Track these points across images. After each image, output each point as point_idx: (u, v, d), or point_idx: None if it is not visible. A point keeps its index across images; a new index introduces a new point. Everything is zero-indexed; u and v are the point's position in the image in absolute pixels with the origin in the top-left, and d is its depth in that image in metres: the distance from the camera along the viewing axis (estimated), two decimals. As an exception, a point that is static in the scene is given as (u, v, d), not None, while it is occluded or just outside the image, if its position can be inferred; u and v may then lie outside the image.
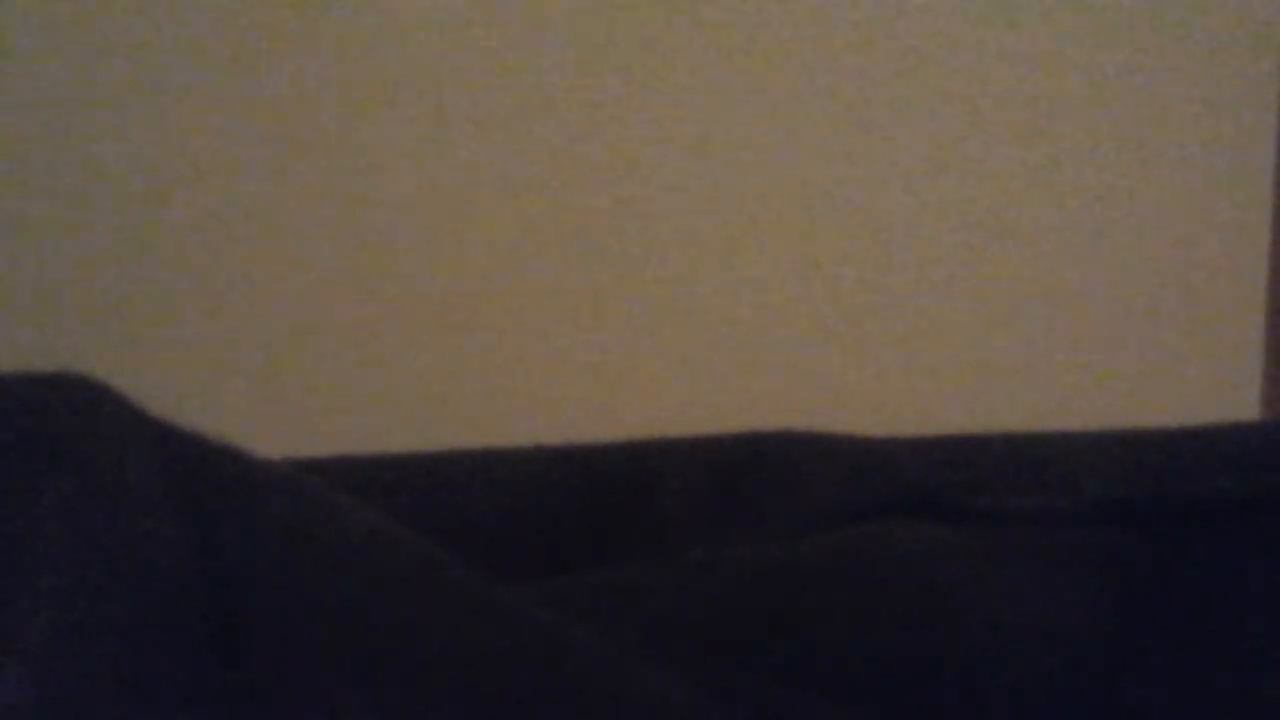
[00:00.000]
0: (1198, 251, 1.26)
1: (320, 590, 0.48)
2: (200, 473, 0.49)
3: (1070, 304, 1.27)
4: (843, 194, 1.27)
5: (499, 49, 1.26)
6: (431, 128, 1.27)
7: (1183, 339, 1.27)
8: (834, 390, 1.29)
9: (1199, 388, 1.27)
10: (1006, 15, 1.24)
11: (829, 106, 1.26)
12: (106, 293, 1.30)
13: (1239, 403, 1.27)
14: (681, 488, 0.65)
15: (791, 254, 1.28)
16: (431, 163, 1.28)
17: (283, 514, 0.50)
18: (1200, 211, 1.26)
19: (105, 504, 0.46)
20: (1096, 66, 1.25)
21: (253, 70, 1.27)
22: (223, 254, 1.29)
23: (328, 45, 1.27)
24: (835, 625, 0.57)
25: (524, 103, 1.27)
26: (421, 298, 1.29)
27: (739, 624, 0.57)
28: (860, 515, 0.63)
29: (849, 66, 1.26)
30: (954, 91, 1.25)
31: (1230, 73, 1.24)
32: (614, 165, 1.27)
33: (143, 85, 1.28)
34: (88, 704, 0.43)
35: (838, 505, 0.64)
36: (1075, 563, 0.60)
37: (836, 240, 1.28)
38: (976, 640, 0.57)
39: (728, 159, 1.27)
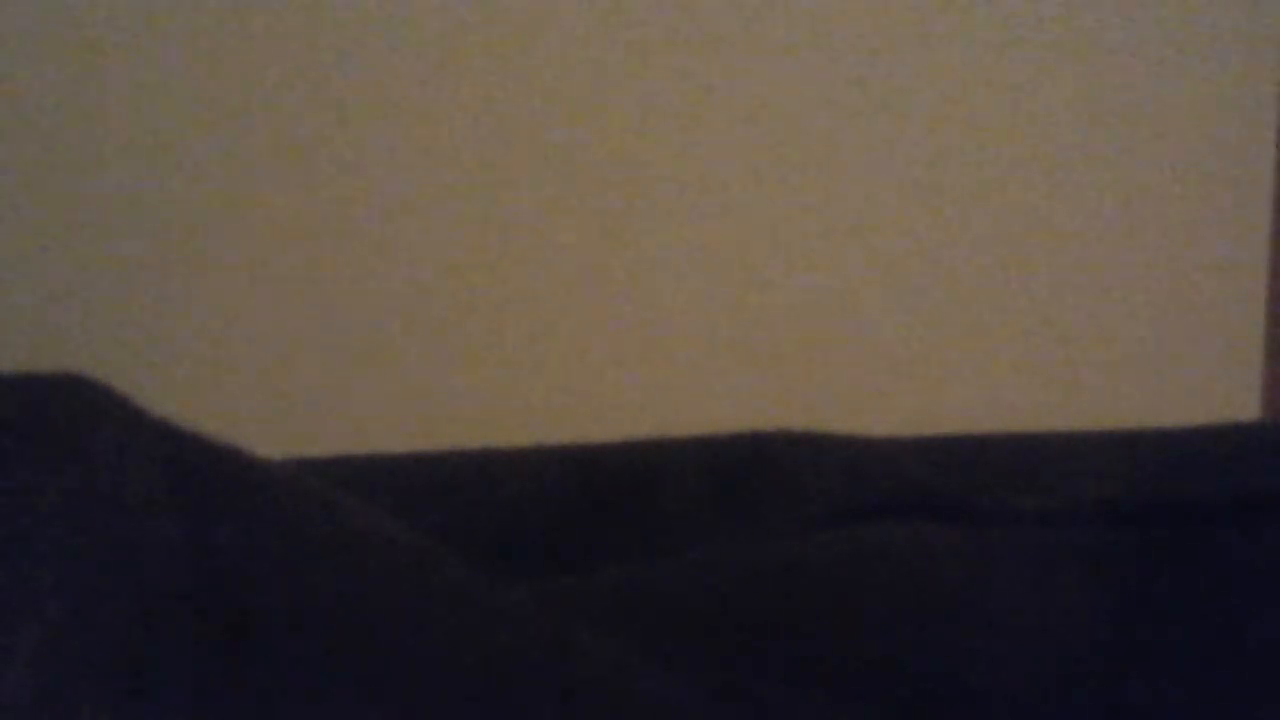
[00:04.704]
0: (1198, 251, 1.26)
1: (320, 590, 0.48)
2: (200, 473, 0.49)
3: (1071, 304, 1.27)
4: (844, 196, 1.27)
5: (499, 49, 1.26)
6: (433, 130, 1.27)
7: (1183, 339, 1.27)
8: (834, 390, 1.29)
9: (1199, 388, 1.27)
10: (1007, 17, 1.24)
11: (828, 108, 1.26)
12: (106, 293, 1.30)
13: (1239, 403, 1.27)
14: (681, 488, 0.65)
15: (792, 255, 1.28)
16: (432, 164, 1.28)
17: (283, 514, 0.50)
18: (1200, 211, 1.26)
19: (105, 504, 0.46)
20: (1097, 67, 1.25)
21: (254, 71, 1.27)
22: (223, 255, 1.29)
23: (327, 47, 1.27)
24: (835, 625, 0.57)
25: (525, 104, 1.27)
26: (422, 298, 1.29)
27: (739, 624, 0.57)
28: (860, 515, 0.63)
29: (851, 67, 1.26)
30: (954, 93, 1.25)
31: (1230, 73, 1.24)
32: (615, 166, 1.27)
33: (143, 86, 1.28)
34: (88, 704, 0.43)
35: (838, 505, 0.64)
36: (1075, 563, 0.60)
37: (838, 242, 1.28)
38: (976, 640, 0.57)
39: (729, 160, 1.27)
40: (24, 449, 0.46)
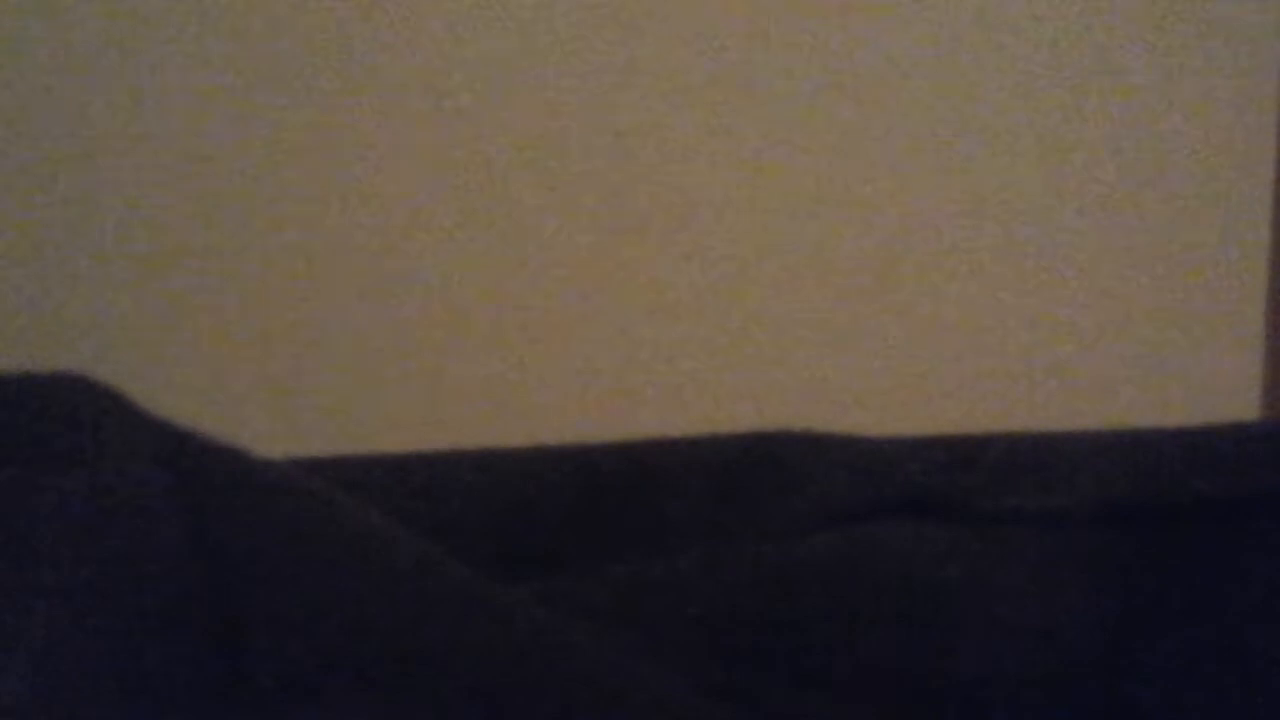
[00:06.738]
0: (1198, 251, 1.26)
1: (320, 590, 0.48)
2: (200, 473, 0.49)
3: (1071, 304, 1.27)
4: (843, 195, 1.27)
5: (499, 47, 1.26)
6: (435, 128, 1.27)
7: (1183, 339, 1.27)
8: (834, 390, 1.29)
9: (1199, 388, 1.27)
10: (1007, 16, 1.24)
11: (828, 107, 1.26)
12: (108, 295, 1.30)
13: (1239, 403, 1.27)
14: (682, 487, 0.65)
15: (792, 254, 1.28)
16: (432, 163, 1.28)
17: (283, 514, 0.50)
18: (1200, 211, 1.26)
19: (105, 504, 0.46)
20: (1097, 67, 1.25)
21: (254, 72, 1.27)
22: (223, 256, 1.29)
23: (331, 46, 1.27)
24: (835, 625, 0.57)
25: (525, 103, 1.27)
26: (422, 298, 1.29)
27: (739, 624, 0.57)
28: (860, 515, 0.63)
29: (849, 67, 1.26)
30: (954, 92, 1.25)
31: (1230, 73, 1.24)
32: (614, 165, 1.27)
33: (143, 86, 1.28)
34: (87, 702, 0.43)
35: (838, 505, 0.64)
36: (1075, 563, 0.60)
37: (837, 241, 1.28)
38: (976, 640, 0.57)
39: (728, 159, 1.27)
40: (24, 449, 0.46)
